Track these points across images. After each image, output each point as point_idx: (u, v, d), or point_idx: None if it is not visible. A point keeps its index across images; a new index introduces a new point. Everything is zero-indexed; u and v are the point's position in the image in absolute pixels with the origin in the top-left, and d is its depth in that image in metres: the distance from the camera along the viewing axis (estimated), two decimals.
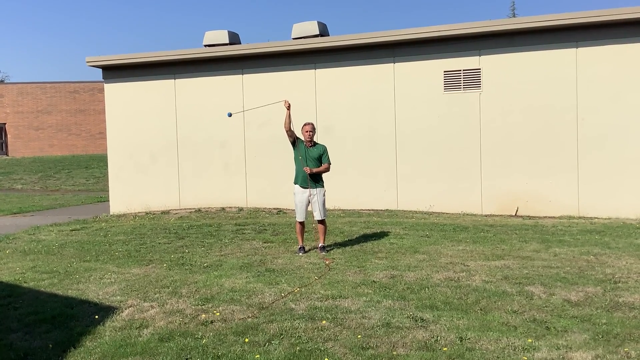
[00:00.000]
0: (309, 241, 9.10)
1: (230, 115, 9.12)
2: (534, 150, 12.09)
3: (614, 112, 11.59)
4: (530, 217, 11.80)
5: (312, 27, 13.99)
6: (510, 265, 7.38)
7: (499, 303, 5.77)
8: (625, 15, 11.26)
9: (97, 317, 5.71)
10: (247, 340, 4.95)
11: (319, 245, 8.61)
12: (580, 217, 11.56)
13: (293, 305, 5.86)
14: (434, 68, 12.76)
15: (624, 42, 11.48)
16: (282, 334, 5.06)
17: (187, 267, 7.80)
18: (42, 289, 6.92)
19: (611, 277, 6.69)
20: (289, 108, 8.37)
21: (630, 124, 11.49)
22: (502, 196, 12.32)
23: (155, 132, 14.82)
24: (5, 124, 36.12)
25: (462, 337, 4.85)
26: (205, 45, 14.80)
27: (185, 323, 5.46)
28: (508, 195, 12.27)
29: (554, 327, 5.05)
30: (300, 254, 8.47)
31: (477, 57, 12.48)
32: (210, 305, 5.96)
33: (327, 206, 8.89)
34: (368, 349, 4.71)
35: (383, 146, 13.19)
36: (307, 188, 8.46)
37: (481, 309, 5.60)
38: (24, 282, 7.30)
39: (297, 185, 8.56)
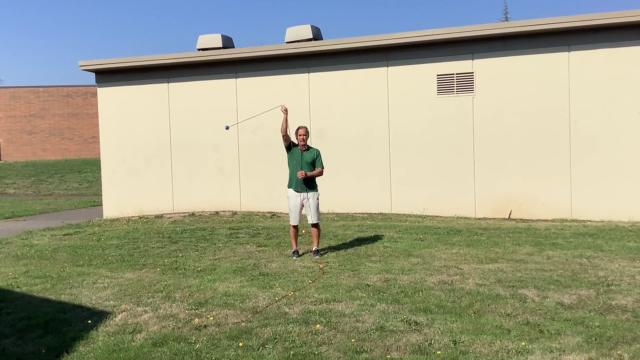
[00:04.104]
0: (303, 245, 9.10)
1: (227, 128, 9.45)
2: (527, 154, 12.14)
3: (606, 115, 11.65)
4: (523, 220, 11.83)
5: (306, 31, 14.02)
6: (503, 268, 7.40)
7: (493, 306, 5.78)
8: (618, 19, 11.33)
9: (90, 322, 5.69)
10: (241, 344, 4.94)
11: (313, 249, 8.61)
12: (573, 220, 11.60)
13: (287, 309, 5.86)
14: (428, 72, 12.80)
15: (616, 45, 11.55)
16: (276, 338, 5.05)
17: (180, 272, 7.78)
18: (35, 293, 6.89)
19: (604, 279, 6.71)
20: (286, 113, 8.36)
21: (623, 127, 11.55)
22: (496, 199, 12.36)
23: (148, 136, 14.79)
24: None
25: (455, 341, 4.86)
26: (199, 49, 14.80)
27: (178, 328, 5.45)
28: (501, 199, 12.31)
29: (548, 330, 5.07)
30: (294, 257, 8.46)
31: (470, 61, 12.53)
32: (203, 310, 5.95)
33: (320, 210, 8.90)
34: (362, 352, 4.71)
35: (377, 150, 13.21)
36: (301, 192, 8.46)
37: (475, 312, 5.61)
38: (17, 287, 7.26)
39: (290, 189, 8.56)
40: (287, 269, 7.69)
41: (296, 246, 8.68)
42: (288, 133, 8.39)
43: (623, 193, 11.52)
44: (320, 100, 13.59)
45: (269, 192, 13.62)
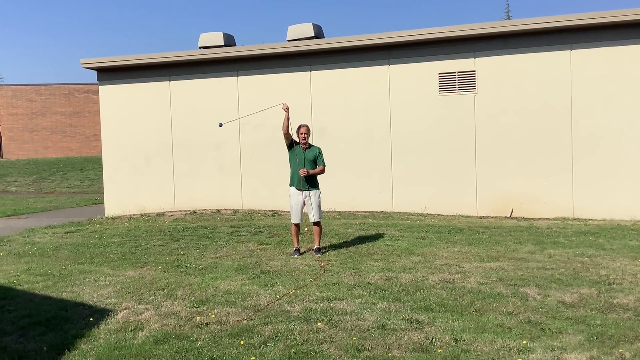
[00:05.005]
0: (304, 243, 9.10)
1: (221, 125, 9.19)
2: (529, 152, 12.13)
3: (608, 114, 11.64)
4: (525, 219, 11.83)
5: (307, 29, 14.00)
6: (505, 266, 7.40)
7: (494, 304, 5.78)
8: (619, 18, 11.31)
9: (91, 319, 5.70)
10: (242, 342, 4.94)
11: (314, 247, 8.61)
12: (574, 219, 11.59)
13: (288, 307, 5.86)
14: (429, 70, 12.79)
15: (618, 44, 11.54)
16: (277, 336, 5.06)
17: (182, 269, 7.79)
18: (37, 291, 6.90)
19: (605, 278, 6.71)
20: (287, 111, 8.36)
21: (624, 126, 11.54)
22: (497, 198, 12.35)
23: (150, 133, 14.80)
24: None
25: (457, 339, 4.86)
26: (200, 47, 14.79)
27: (180, 325, 5.45)
28: (503, 197, 12.30)
29: (549, 329, 5.07)
30: (296, 255, 8.46)
31: (471, 59, 12.52)
32: (205, 308, 5.95)
33: (322, 208, 8.89)
34: (363, 350, 4.71)
35: (378, 148, 13.20)
36: (303, 190, 8.46)
37: (476, 311, 5.61)
38: (18, 284, 7.27)
39: (292, 187, 8.56)
40: (288, 267, 7.69)
41: (298, 244, 8.68)
42: (290, 131, 8.40)
43: (625, 192, 11.51)
44: (321, 99, 13.58)
45: (271, 190, 13.63)
